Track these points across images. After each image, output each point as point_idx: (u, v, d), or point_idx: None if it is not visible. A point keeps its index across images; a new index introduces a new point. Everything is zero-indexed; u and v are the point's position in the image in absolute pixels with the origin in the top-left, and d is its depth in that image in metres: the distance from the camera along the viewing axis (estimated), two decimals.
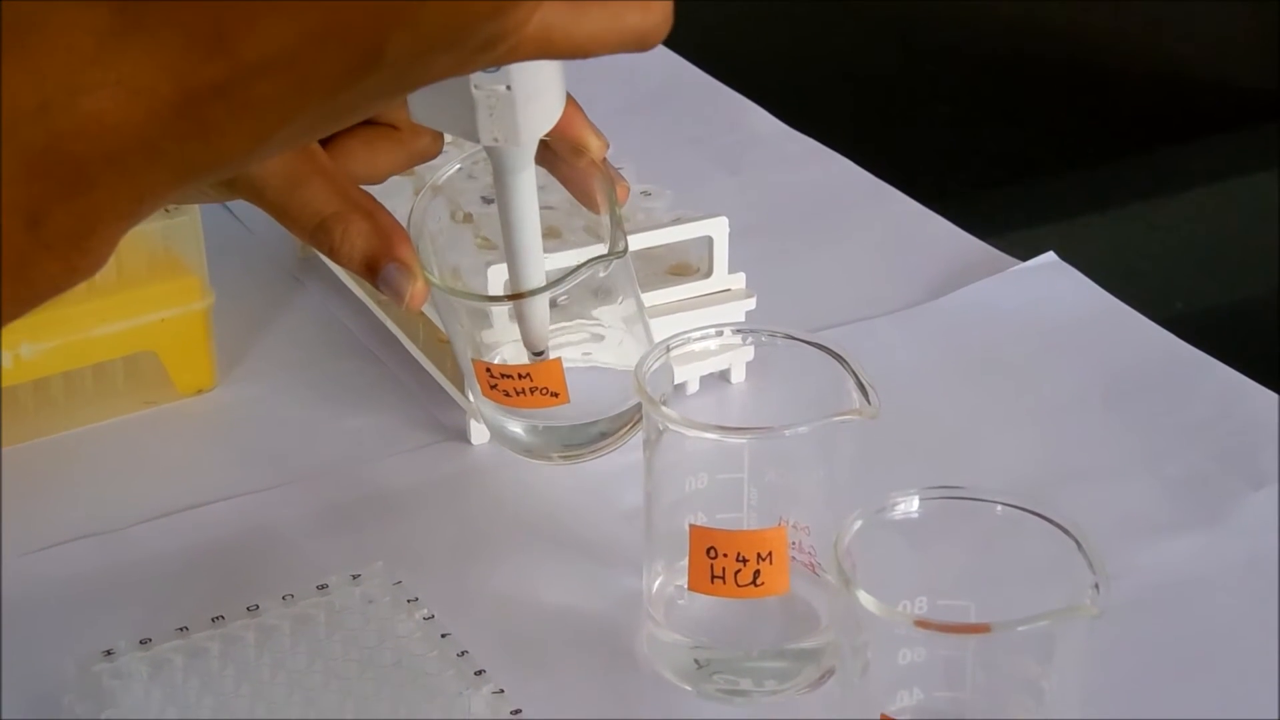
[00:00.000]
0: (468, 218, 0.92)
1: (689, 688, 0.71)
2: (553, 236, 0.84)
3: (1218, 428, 0.87)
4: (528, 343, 0.69)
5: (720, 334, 0.77)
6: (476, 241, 0.90)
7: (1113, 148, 2.13)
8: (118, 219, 0.47)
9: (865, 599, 0.60)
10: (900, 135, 1.99)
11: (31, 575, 0.77)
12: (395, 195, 0.93)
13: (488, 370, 0.74)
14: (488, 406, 0.76)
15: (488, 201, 0.92)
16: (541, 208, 0.79)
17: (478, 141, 0.61)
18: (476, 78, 0.58)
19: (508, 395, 0.74)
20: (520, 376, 0.73)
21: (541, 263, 0.67)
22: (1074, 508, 0.64)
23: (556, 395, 0.74)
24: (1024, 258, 1.00)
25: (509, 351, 0.76)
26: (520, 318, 0.69)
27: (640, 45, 0.53)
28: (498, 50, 0.47)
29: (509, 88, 0.59)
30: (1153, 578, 0.77)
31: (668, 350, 0.73)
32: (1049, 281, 0.99)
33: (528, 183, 0.65)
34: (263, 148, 0.47)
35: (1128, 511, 0.81)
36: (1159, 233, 1.94)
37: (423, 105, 0.60)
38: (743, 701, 0.71)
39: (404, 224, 0.68)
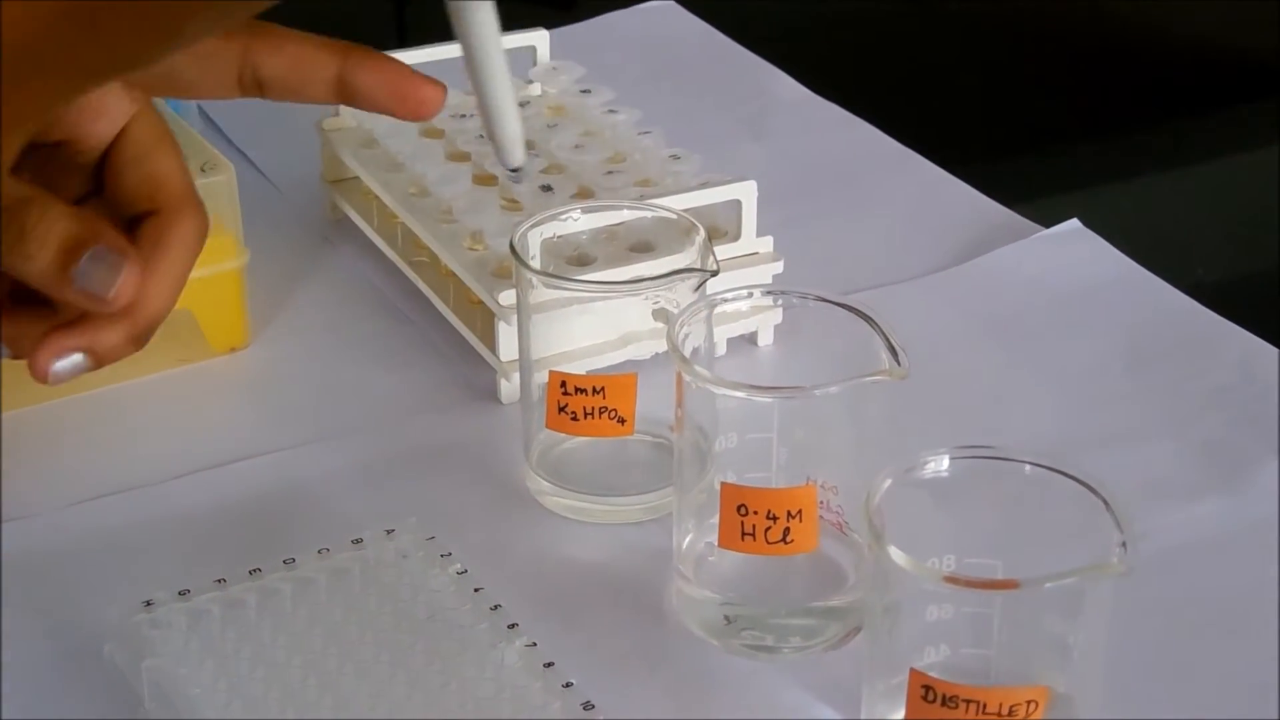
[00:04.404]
0: (492, 179, 0.93)
1: (716, 643, 0.73)
2: (645, 249, 0.86)
3: (1240, 393, 0.87)
4: (503, 154, 0.63)
5: (750, 295, 0.78)
6: (501, 204, 0.91)
7: (1136, 117, 2.13)
8: (19, 124, 0.47)
9: (896, 554, 0.61)
10: (923, 103, 2.00)
11: (72, 528, 0.78)
12: (426, 157, 0.94)
13: (562, 384, 0.76)
14: (542, 474, 0.80)
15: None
16: (638, 230, 0.84)
17: None
18: None
19: (574, 420, 0.77)
20: (594, 391, 0.76)
21: (512, 93, 0.61)
22: (1097, 471, 0.65)
23: (624, 422, 0.76)
24: (1047, 225, 1.01)
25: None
26: (488, 118, 0.62)
27: None
28: None
29: None
30: (1175, 540, 0.78)
31: (708, 309, 0.75)
32: (1073, 248, 0.99)
33: (486, 12, 0.59)
34: (163, 46, 0.46)
35: (1150, 475, 0.82)
36: (1181, 201, 1.94)
37: None
38: (768, 657, 0.72)
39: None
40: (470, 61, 0.60)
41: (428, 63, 1.00)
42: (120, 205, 0.61)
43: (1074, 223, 1.01)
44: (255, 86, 0.62)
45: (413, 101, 0.62)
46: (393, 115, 0.63)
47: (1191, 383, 0.89)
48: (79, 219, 0.57)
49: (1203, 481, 0.82)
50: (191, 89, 0.62)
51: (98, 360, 0.59)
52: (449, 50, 1.02)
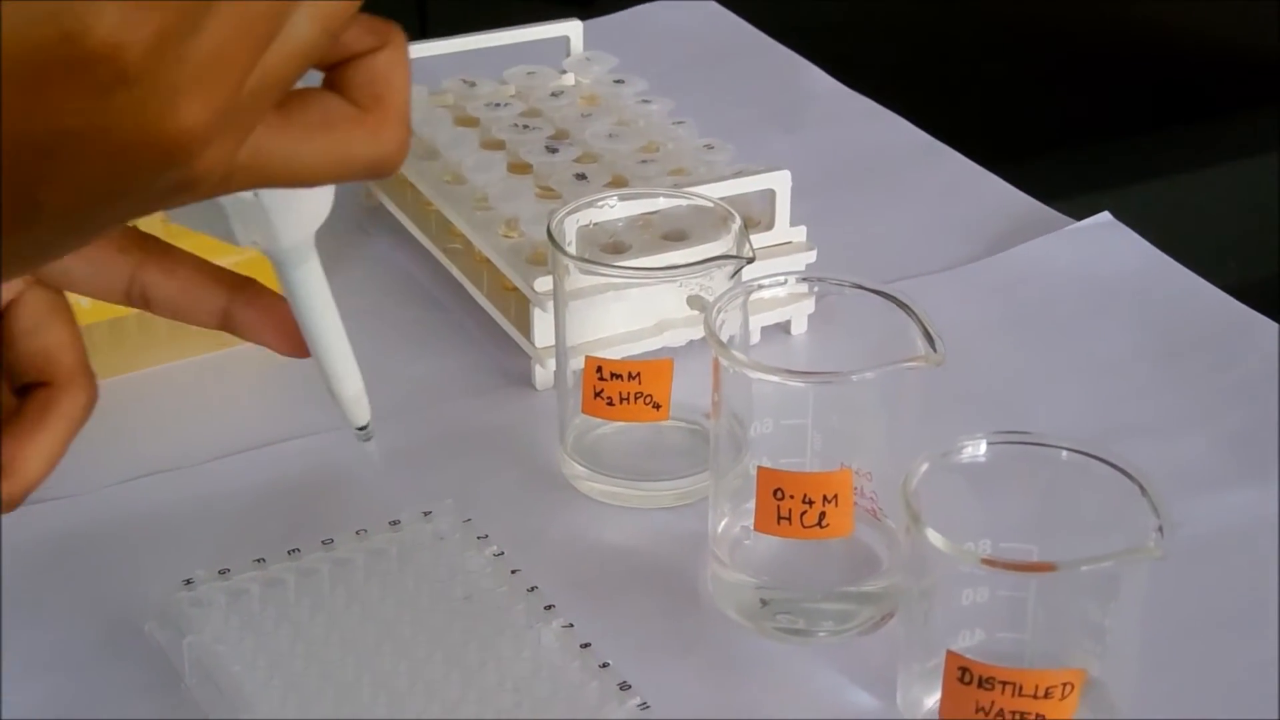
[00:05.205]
0: (527, 167, 0.93)
1: (751, 625, 0.73)
2: (679, 238, 0.86)
3: (1270, 384, 0.88)
4: (347, 414, 0.64)
5: (786, 282, 0.78)
6: (536, 191, 0.92)
7: (1167, 115, 2.13)
8: None
9: (934, 537, 0.61)
10: (953, 98, 2.00)
11: (113, 508, 0.79)
12: (462, 145, 0.95)
13: (598, 369, 0.77)
14: (578, 459, 0.81)
15: (551, 151, 0.94)
16: (672, 219, 0.85)
17: (238, 245, 0.55)
18: None
19: (610, 404, 0.78)
20: (630, 376, 0.76)
21: (349, 352, 0.62)
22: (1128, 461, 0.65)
23: (659, 408, 0.77)
24: (1077, 219, 1.02)
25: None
26: (326, 378, 0.63)
27: (372, 174, 0.47)
28: (196, 193, 0.42)
29: (255, 194, 0.53)
30: (1205, 529, 0.78)
31: (744, 295, 0.75)
32: (1104, 240, 1.00)
33: (310, 275, 0.58)
34: None
35: (1181, 465, 0.82)
36: (1213, 199, 1.95)
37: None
38: (801, 640, 0.73)
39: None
40: (301, 324, 0.60)
41: (449, 54, 1.02)
42: (11, 373, 0.60)
43: (1105, 215, 1.01)
44: (142, 301, 0.61)
45: (292, 340, 0.61)
46: (270, 349, 0.62)
47: (1221, 374, 0.89)
48: None
49: (1233, 472, 0.82)
50: (78, 286, 0.61)
51: None
52: (470, 41, 1.03)
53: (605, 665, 0.68)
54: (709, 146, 0.95)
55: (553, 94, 1.00)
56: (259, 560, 0.72)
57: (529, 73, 1.02)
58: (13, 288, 0.60)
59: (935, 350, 0.71)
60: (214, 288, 0.61)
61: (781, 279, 0.78)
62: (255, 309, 0.61)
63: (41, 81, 0.38)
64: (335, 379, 0.62)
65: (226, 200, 0.52)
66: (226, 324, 0.62)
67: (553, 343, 0.83)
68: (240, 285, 0.61)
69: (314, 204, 0.55)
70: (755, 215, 0.91)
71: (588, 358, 0.79)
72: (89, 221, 0.42)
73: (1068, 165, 1.92)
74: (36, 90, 0.38)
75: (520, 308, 0.89)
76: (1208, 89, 2.19)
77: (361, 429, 0.65)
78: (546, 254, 0.84)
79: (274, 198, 0.53)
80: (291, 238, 0.55)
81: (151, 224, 0.60)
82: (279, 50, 0.41)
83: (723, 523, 0.75)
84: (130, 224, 0.61)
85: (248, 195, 0.52)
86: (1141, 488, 0.63)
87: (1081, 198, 1.07)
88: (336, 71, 0.46)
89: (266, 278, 0.61)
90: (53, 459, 0.60)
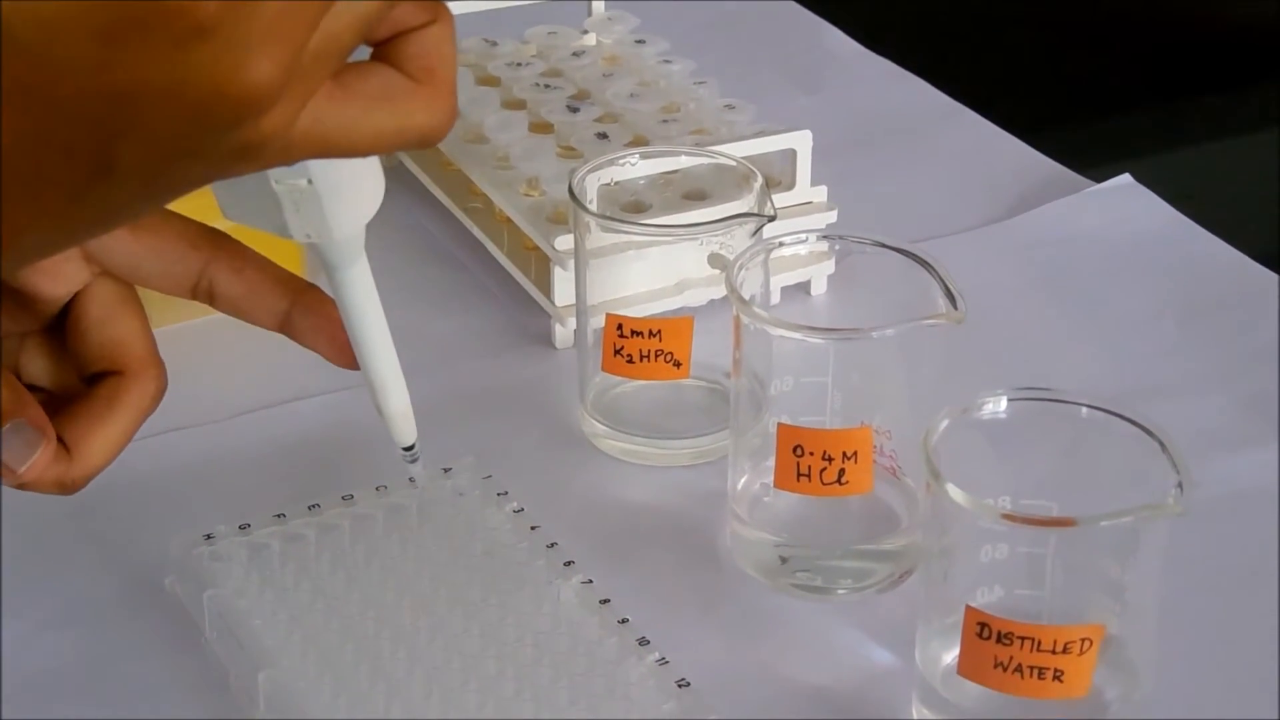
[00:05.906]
0: (548, 127, 0.93)
1: (770, 583, 0.73)
2: (700, 197, 0.86)
3: None
4: (392, 431, 0.64)
5: (807, 240, 0.78)
6: (557, 151, 0.91)
7: (1189, 83, 2.12)
8: None
9: (954, 492, 0.61)
10: (975, 63, 1.99)
11: (134, 463, 0.78)
12: (483, 104, 0.95)
13: (618, 326, 0.77)
14: (597, 418, 0.81)
15: (572, 110, 0.94)
16: (693, 178, 0.84)
17: (291, 239, 0.54)
18: (276, 173, 0.51)
19: (630, 362, 0.78)
20: (650, 334, 0.76)
21: (396, 364, 0.62)
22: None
23: (679, 366, 0.77)
24: (1098, 183, 1.01)
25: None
26: (373, 391, 0.62)
27: (424, 143, 0.48)
28: (261, 158, 0.43)
29: (310, 182, 0.52)
30: (1222, 490, 0.78)
31: (765, 253, 0.75)
32: (1124, 202, 1.00)
33: (360, 277, 0.58)
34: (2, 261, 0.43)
35: (1200, 426, 0.82)
36: (1233, 168, 1.94)
37: (230, 201, 0.53)
38: (820, 598, 0.73)
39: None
40: (349, 329, 0.60)
41: (470, 13, 1.02)
42: (81, 362, 0.61)
43: (1125, 178, 1.01)
44: (207, 297, 0.62)
45: (345, 350, 0.61)
46: (324, 357, 0.63)
47: (1241, 336, 0.89)
48: (9, 390, 0.58)
49: (1251, 432, 0.82)
50: (147, 281, 0.62)
51: (18, 483, 0.59)
52: (492, 1, 1.03)
53: (624, 621, 0.68)
54: (730, 107, 0.94)
55: (574, 54, 1.00)
56: (279, 515, 0.72)
57: (550, 32, 1.02)
58: (82, 277, 0.61)
59: (956, 308, 0.70)
60: (279, 290, 0.62)
61: (803, 236, 0.78)
62: (315, 316, 0.62)
63: (119, 35, 0.38)
64: (380, 392, 0.62)
65: (281, 190, 0.52)
66: (285, 328, 0.62)
67: (573, 301, 0.83)
68: (303, 290, 0.62)
69: (366, 194, 0.55)
70: (776, 175, 0.91)
71: (608, 315, 0.79)
72: (160, 180, 0.43)
73: (1088, 131, 1.92)
74: (114, 44, 0.38)
75: (540, 266, 0.89)
76: (1231, 58, 2.18)
77: (408, 449, 0.64)
78: (567, 213, 0.84)
79: (328, 185, 0.53)
80: (344, 229, 0.55)
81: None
82: (339, 14, 0.42)
83: (742, 480, 0.75)
84: (203, 221, 0.61)
85: (302, 183, 0.52)
86: (1161, 444, 0.63)
87: (1102, 165, 1.06)
88: (388, 45, 0.47)
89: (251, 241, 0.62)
90: (117, 446, 0.61)
